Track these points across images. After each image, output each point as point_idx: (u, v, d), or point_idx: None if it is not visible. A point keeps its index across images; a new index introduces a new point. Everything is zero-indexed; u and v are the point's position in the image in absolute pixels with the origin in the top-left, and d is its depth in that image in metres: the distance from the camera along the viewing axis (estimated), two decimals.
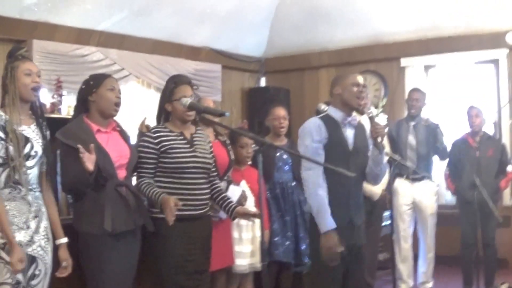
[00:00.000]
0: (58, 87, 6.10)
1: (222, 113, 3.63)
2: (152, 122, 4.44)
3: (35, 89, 3.42)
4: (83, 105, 3.87)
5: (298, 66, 8.70)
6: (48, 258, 3.45)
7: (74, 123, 3.81)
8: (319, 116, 4.21)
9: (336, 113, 4.13)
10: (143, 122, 4.69)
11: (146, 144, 4.05)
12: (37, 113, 3.53)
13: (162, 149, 4.03)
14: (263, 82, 8.98)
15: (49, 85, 6.08)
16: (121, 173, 3.83)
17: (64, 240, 3.56)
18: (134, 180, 4.10)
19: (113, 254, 3.71)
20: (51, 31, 6.13)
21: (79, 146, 3.50)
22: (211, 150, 4.33)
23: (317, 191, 3.94)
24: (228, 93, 8.44)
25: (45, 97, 5.94)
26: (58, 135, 3.69)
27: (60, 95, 6.15)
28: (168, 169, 4.04)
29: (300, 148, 4.06)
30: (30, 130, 3.43)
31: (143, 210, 3.96)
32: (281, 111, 5.55)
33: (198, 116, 4.22)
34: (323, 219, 3.90)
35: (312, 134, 4.02)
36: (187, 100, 3.91)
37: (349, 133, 4.11)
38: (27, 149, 3.38)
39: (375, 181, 4.30)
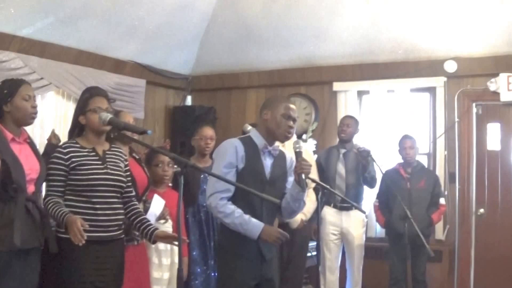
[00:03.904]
0: None
1: (143, 131, 3.35)
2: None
3: None
4: None
5: (226, 85, 8.32)
6: None
7: None
8: (240, 137, 3.94)
9: (258, 139, 3.86)
10: (53, 133, 4.45)
11: (56, 160, 3.72)
12: None
13: (71, 165, 3.70)
14: (189, 101, 8.55)
15: None
16: (30, 188, 3.61)
17: None
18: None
19: (15, 272, 3.44)
20: None
21: None
22: (127, 168, 4.00)
23: (229, 208, 3.71)
24: (151, 110, 8.00)
25: None
26: None
27: None
28: (78, 186, 3.71)
29: (214, 170, 3.77)
30: None
31: (48, 229, 3.64)
32: (208, 131, 5.37)
33: (116, 133, 3.89)
34: (250, 229, 3.67)
35: (225, 157, 3.73)
36: (107, 115, 3.57)
37: (268, 161, 3.86)
38: None
39: (290, 216, 4.06)
